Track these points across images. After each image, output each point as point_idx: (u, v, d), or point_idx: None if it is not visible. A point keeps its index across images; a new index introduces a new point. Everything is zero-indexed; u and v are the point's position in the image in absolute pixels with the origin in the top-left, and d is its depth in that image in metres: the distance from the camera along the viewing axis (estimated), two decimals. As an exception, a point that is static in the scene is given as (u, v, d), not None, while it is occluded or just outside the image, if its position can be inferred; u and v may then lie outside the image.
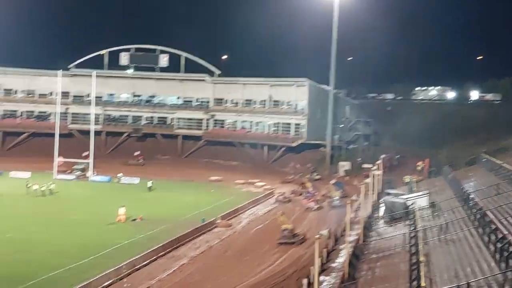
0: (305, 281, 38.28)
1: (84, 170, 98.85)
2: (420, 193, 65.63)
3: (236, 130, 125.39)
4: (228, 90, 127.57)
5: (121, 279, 44.44)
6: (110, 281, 43.27)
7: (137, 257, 48.11)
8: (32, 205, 73.95)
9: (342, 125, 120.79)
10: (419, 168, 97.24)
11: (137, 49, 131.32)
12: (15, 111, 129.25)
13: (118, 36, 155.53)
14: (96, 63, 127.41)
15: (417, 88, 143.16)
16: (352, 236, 51.51)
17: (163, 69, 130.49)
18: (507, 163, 63.39)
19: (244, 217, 72.56)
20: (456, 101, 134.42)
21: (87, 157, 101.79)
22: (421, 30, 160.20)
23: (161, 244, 52.64)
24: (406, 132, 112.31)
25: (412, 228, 48.39)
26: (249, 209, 77.01)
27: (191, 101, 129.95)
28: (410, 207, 58.16)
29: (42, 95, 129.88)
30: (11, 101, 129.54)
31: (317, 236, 32.35)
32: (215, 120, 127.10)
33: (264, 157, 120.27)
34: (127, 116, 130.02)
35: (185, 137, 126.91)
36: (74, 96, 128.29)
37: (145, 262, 48.62)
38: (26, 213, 68.30)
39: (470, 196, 50.96)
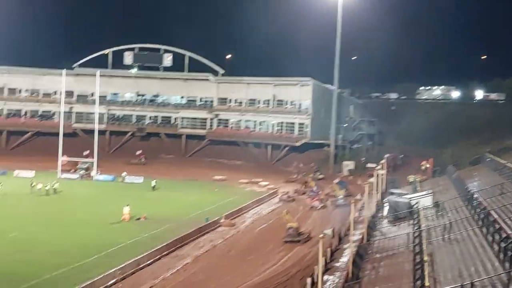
0: (309, 280, 38.27)
1: (88, 169, 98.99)
2: (424, 192, 65.62)
3: (240, 129, 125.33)
4: (232, 89, 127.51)
5: (124, 278, 44.46)
6: (114, 280, 43.27)
7: (141, 256, 48.10)
8: (36, 204, 74.01)
9: (346, 125, 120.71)
10: (423, 167, 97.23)
11: (141, 49, 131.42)
12: (19, 110, 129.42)
13: (122, 35, 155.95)
14: (100, 63, 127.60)
15: (421, 88, 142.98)
16: (356, 235, 51.50)
17: (167, 69, 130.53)
18: (511, 163, 63.31)
19: (248, 216, 72.56)
20: (460, 101, 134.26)
21: (88, 156, 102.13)
22: (425, 29, 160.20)
23: (165, 243, 52.63)
24: (410, 131, 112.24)
25: (416, 228, 48.35)
26: (252, 208, 77.01)
27: (195, 101, 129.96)
28: (414, 206, 58.12)
29: (46, 95, 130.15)
30: (15, 100, 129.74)
31: (321, 235, 32.33)
32: (219, 119, 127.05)
33: (268, 156, 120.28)
34: (131, 115, 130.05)
35: (189, 137, 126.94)
36: (78, 96, 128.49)
37: (149, 261, 48.62)
38: (30, 213, 68.33)
39: (474, 196, 50.88)
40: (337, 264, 45.58)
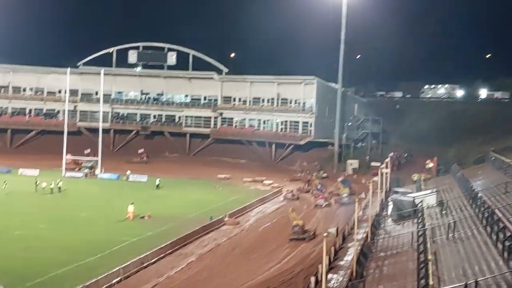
0: (312, 279, 38.28)
1: (92, 168, 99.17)
2: (428, 191, 65.54)
3: (244, 128, 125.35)
4: (236, 88, 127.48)
5: (129, 276, 44.54)
6: (119, 278, 43.36)
7: (145, 254, 48.19)
8: (40, 202, 74.22)
9: (350, 123, 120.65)
10: (427, 166, 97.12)
11: (145, 47, 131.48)
12: (24, 108, 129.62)
13: (126, 34, 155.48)
14: (104, 61, 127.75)
15: (425, 86, 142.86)
16: (360, 234, 51.48)
17: (171, 67, 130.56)
18: (516, 162, 63.29)
19: (252, 215, 72.62)
20: (465, 99, 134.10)
21: (89, 154, 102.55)
22: (429, 27, 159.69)
23: (169, 242, 52.71)
24: (414, 130, 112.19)
25: (420, 226, 48.31)
26: (257, 207, 77.09)
27: (199, 99, 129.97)
28: (418, 205, 58.08)
29: (50, 93, 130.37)
30: (20, 98, 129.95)
31: (325, 234, 32.33)
32: (223, 118, 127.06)
33: (272, 155, 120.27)
34: (135, 114, 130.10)
35: (193, 135, 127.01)
36: (83, 94, 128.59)
37: (153, 260, 48.71)
38: (35, 211, 68.56)
39: (479, 195, 50.85)
40: (341, 263, 45.57)
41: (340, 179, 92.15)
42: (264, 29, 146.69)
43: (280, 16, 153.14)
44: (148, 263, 47.80)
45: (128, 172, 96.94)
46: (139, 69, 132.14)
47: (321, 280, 33.85)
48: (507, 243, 33.77)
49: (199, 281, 45.04)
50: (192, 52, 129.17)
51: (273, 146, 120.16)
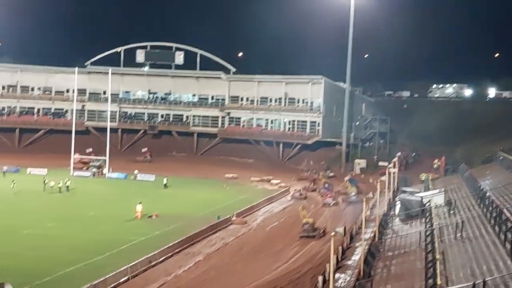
0: (320, 278, 38.28)
1: (100, 167, 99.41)
2: (436, 191, 65.47)
3: (251, 127, 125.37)
4: (244, 87, 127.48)
5: (137, 275, 44.63)
6: (127, 277, 43.46)
7: (153, 253, 48.28)
8: (49, 201, 74.48)
9: (358, 123, 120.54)
10: (435, 166, 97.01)
11: (153, 47, 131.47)
12: (32, 108, 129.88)
13: (134, 33, 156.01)
14: (112, 61, 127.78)
15: (433, 86, 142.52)
16: (367, 233, 51.47)
17: (178, 67, 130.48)
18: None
19: (260, 214, 72.68)
20: (473, 99, 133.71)
21: (91, 153, 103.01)
22: (437, 27, 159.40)
23: (177, 241, 52.79)
24: (422, 130, 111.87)
25: (428, 226, 48.25)
26: (264, 206, 77.13)
27: (206, 99, 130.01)
28: (426, 205, 58.01)
29: (58, 92, 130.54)
30: (28, 98, 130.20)
31: (333, 233, 32.33)
32: (231, 117, 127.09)
33: (280, 154, 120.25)
34: (143, 113, 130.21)
35: (201, 135, 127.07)
36: (90, 93, 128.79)
37: (161, 259, 48.80)
38: (43, 210, 68.83)
39: (487, 194, 50.73)
40: (349, 262, 45.55)
41: (347, 178, 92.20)
42: (272, 29, 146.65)
43: (288, 15, 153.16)
44: (156, 262, 47.89)
45: (136, 171, 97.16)
46: (146, 68, 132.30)
47: (329, 280, 33.84)
48: (515, 243, 33.73)
49: (207, 280, 45.10)
50: (199, 52, 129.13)
51: (281, 145, 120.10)
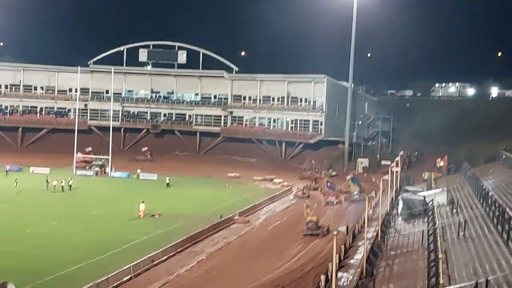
0: (323, 277, 38.25)
1: (102, 166, 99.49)
2: (439, 190, 65.34)
3: (254, 127, 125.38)
4: (246, 86, 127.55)
5: (139, 274, 44.66)
6: (129, 276, 43.48)
7: (155, 252, 48.30)
8: (51, 200, 74.59)
9: (361, 122, 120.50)
10: (438, 165, 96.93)
11: (155, 46, 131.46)
12: (35, 107, 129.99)
13: (136, 32, 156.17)
14: (115, 60, 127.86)
15: (436, 85, 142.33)
16: (370, 232, 51.44)
17: (181, 66, 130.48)
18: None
19: (262, 213, 72.75)
20: (476, 98, 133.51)
21: (90, 152, 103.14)
22: (440, 26, 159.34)
23: (179, 240, 52.82)
24: (425, 129, 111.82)
25: (430, 225, 48.20)
26: (267, 205, 77.16)
27: (209, 98, 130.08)
28: (429, 204, 57.94)
29: (61, 92, 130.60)
30: (31, 97, 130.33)
31: (335, 232, 32.30)
32: (233, 116, 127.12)
33: (282, 154, 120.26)
34: (145, 112, 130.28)
35: (203, 134, 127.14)
36: (93, 93, 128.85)
37: (163, 258, 48.83)
38: (45, 209, 68.90)
39: (489, 193, 50.64)
40: (351, 261, 45.49)
41: (349, 177, 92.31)
42: (274, 28, 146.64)
43: (290, 14, 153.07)
44: (158, 261, 47.92)
45: (139, 170, 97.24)
46: (149, 67, 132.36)
47: (331, 279, 33.83)
48: (518, 242, 33.69)
49: (209, 279, 45.10)
50: (202, 51, 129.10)
51: (283, 144, 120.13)
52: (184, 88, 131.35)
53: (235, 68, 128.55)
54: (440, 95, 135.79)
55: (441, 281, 29.86)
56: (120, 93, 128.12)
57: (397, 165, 74.73)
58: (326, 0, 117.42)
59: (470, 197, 58.44)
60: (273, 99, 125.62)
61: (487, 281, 28.02)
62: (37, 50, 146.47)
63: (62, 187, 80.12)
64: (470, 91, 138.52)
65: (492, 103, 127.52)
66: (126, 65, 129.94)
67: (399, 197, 67.19)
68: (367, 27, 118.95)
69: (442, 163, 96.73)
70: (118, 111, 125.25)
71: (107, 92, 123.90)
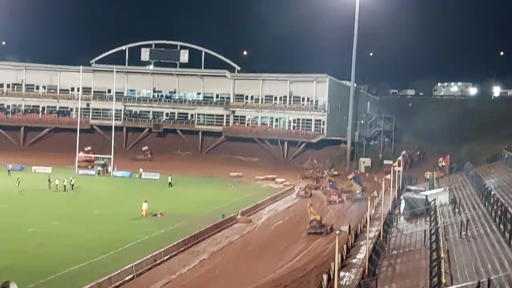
0: (325, 276, 38.23)
1: (104, 165, 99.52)
2: (441, 189, 65.32)
3: (256, 126, 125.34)
4: (249, 86, 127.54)
5: (141, 273, 44.67)
6: (131, 275, 43.49)
7: (157, 252, 48.30)
8: (54, 200, 74.61)
9: (363, 121, 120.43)
10: (440, 164, 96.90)
11: (158, 45, 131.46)
12: (37, 106, 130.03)
13: (139, 31, 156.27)
14: (117, 59, 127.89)
15: (438, 84, 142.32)
16: (372, 232, 51.42)
17: (183, 65, 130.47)
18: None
19: (264, 213, 72.74)
20: (478, 97, 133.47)
21: (89, 151, 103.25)
22: (442, 25, 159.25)
23: (181, 240, 52.81)
24: (427, 128, 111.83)
25: (432, 225, 48.18)
26: (269, 205, 77.14)
27: (211, 97, 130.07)
28: (431, 203, 57.92)
29: (63, 91, 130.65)
30: (33, 96, 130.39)
31: (337, 232, 32.28)
32: (235, 116, 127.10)
33: (284, 153, 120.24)
34: (147, 112, 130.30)
35: (206, 133, 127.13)
36: (95, 92, 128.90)
37: (166, 257, 48.83)
38: (48, 208, 68.92)
39: (491, 193, 50.60)
40: (354, 261, 45.47)
41: (350, 176, 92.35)
42: (277, 27, 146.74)
43: (293, 14, 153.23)
44: (160, 260, 47.92)
45: (141, 170, 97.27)
46: (151, 67, 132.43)
47: (334, 278, 33.81)
48: (520, 241, 33.66)
49: (211, 278, 45.10)
50: (204, 50, 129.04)
51: (286, 144, 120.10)
52: (186, 88, 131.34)
53: (237, 68, 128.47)
54: (442, 94, 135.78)
55: (443, 280, 29.86)
56: (122, 93, 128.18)
57: (399, 165, 74.74)
58: (329, 0, 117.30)
59: (472, 196, 58.41)
60: (275, 99, 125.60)
61: (489, 281, 28.00)
62: (39, 50, 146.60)
63: (64, 186, 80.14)
64: (472, 91, 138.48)
65: (494, 102, 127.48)
66: (128, 65, 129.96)
67: (401, 197, 67.31)
68: (369, 26, 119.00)
69: (444, 163, 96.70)
70: (120, 110, 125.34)
71: (109, 91, 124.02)
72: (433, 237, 42.21)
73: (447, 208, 55.56)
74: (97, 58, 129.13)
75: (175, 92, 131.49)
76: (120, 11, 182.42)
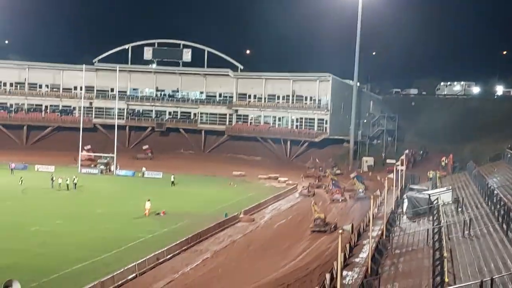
0: (328, 275, 38.25)
1: (107, 164, 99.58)
2: (444, 188, 65.33)
3: (259, 125, 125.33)
4: (251, 85, 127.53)
5: (144, 272, 44.68)
6: (134, 274, 43.50)
7: (160, 251, 48.30)
8: (56, 198, 74.66)
9: (366, 120, 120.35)
10: (443, 163, 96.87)
11: (160, 44, 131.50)
12: (40, 105, 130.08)
13: (141, 30, 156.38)
14: (120, 58, 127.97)
15: (441, 83, 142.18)
16: (375, 231, 51.44)
17: (186, 64, 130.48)
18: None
19: (267, 212, 72.70)
20: (481, 96, 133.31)
21: (89, 150, 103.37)
22: (445, 24, 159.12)
23: (184, 239, 52.81)
24: (430, 127, 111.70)
25: (435, 224, 48.17)
26: (271, 204, 77.10)
27: (214, 96, 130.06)
28: (434, 202, 57.90)
29: (66, 90, 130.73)
30: (36, 95, 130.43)
31: (340, 231, 32.30)
32: (238, 115, 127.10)
33: (287, 152, 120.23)
34: (150, 110, 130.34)
35: (208, 132, 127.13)
36: (98, 91, 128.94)
37: (168, 256, 48.82)
38: (51, 207, 68.95)
39: (494, 192, 50.57)
40: (356, 260, 45.53)
41: (352, 175, 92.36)
42: (280, 26, 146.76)
43: (295, 13, 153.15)
44: (163, 259, 47.92)
45: (144, 168, 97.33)
46: (154, 65, 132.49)
47: (336, 277, 33.82)
48: (523, 241, 33.63)
49: (214, 277, 45.09)
50: (207, 49, 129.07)
51: (288, 143, 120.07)
52: (189, 87, 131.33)
53: (240, 67, 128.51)
54: (445, 93, 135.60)
55: (446, 279, 29.86)
56: (125, 91, 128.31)
57: (402, 164, 74.77)
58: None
59: (475, 195, 58.38)
60: (278, 98, 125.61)
61: (492, 280, 27.97)
62: (42, 48, 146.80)
63: (67, 185, 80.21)
64: (475, 90, 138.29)
65: (497, 101, 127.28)
66: (131, 63, 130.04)
67: (404, 196, 67.24)
68: (372, 25, 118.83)
69: (447, 162, 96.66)
70: (123, 109, 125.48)
71: (112, 90, 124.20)
72: (436, 236, 42.22)
73: (450, 207, 55.57)
74: (100, 57, 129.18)
75: (178, 91, 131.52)
76: (123, 10, 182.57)
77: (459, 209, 52.99)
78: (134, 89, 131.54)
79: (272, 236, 59.99)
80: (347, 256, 45.57)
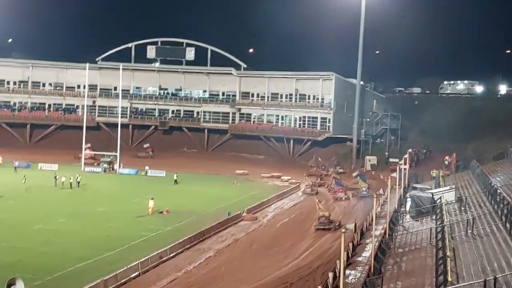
0: (330, 274, 38.25)
1: (110, 163, 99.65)
2: (447, 187, 65.24)
3: (262, 124, 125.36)
4: (255, 83, 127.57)
5: (147, 271, 44.72)
6: (137, 272, 43.54)
7: (163, 249, 48.34)
8: (59, 197, 74.72)
9: (369, 119, 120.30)
10: (446, 162, 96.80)
11: (164, 42, 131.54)
12: (43, 103, 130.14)
13: (145, 29, 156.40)
14: (123, 56, 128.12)
15: (444, 82, 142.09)
16: (378, 230, 51.44)
17: (189, 63, 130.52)
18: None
19: (270, 210, 72.70)
20: (484, 95, 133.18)
21: (89, 149, 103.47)
22: (449, 23, 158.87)
23: (187, 237, 52.84)
24: (433, 126, 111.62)
25: (438, 223, 48.14)
26: (274, 202, 77.11)
27: (217, 95, 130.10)
28: (437, 201, 57.86)
29: (69, 88, 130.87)
30: (39, 93, 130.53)
31: (343, 230, 32.32)
32: (241, 113, 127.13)
33: (290, 151, 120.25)
34: (153, 109, 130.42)
35: (211, 131, 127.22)
36: (101, 89, 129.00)
37: (171, 254, 48.86)
38: (54, 205, 68.97)
39: (498, 191, 50.50)
40: (359, 259, 45.53)
41: (355, 174, 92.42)
42: (283, 25, 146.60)
43: (299, 12, 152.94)
44: (166, 257, 47.97)
45: (147, 167, 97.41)
46: (157, 64, 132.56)
47: (339, 276, 33.83)
48: (526, 240, 33.60)
49: (217, 276, 45.10)
50: (210, 48, 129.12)
51: (291, 142, 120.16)
52: (192, 85, 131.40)
53: (243, 65, 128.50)
54: (449, 92, 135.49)
55: (449, 278, 29.85)
56: (128, 90, 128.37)
57: (405, 163, 74.71)
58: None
59: (479, 194, 58.29)
60: (281, 96, 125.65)
61: (495, 279, 27.96)
62: (46, 47, 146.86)
63: (71, 183, 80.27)
64: (479, 89, 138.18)
65: (501, 100, 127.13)
66: (134, 62, 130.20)
67: (407, 195, 67.23)
68: (375, 24, 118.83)
69: (450, 161, 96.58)
70: (126, 107, 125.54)
71: (115, 88, 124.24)
72: (439, 235, 42.18)
73: (453, 206, 55.49)
74: (103, 56, 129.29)
75: (181, 90, 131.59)
76: (126, 8, 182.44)
77: (462, 208, 52.92)
78: (137, 88, 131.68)
79: (275, 234, 59.99)
80: (350, 255, 45.56)
